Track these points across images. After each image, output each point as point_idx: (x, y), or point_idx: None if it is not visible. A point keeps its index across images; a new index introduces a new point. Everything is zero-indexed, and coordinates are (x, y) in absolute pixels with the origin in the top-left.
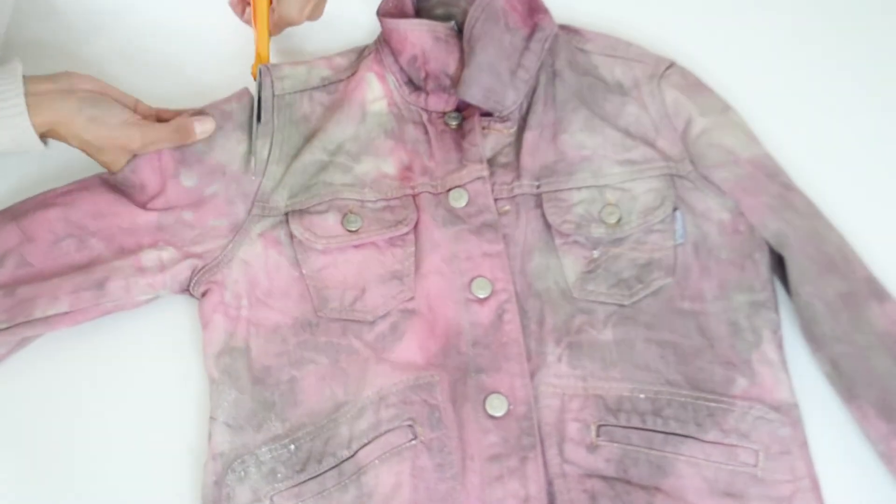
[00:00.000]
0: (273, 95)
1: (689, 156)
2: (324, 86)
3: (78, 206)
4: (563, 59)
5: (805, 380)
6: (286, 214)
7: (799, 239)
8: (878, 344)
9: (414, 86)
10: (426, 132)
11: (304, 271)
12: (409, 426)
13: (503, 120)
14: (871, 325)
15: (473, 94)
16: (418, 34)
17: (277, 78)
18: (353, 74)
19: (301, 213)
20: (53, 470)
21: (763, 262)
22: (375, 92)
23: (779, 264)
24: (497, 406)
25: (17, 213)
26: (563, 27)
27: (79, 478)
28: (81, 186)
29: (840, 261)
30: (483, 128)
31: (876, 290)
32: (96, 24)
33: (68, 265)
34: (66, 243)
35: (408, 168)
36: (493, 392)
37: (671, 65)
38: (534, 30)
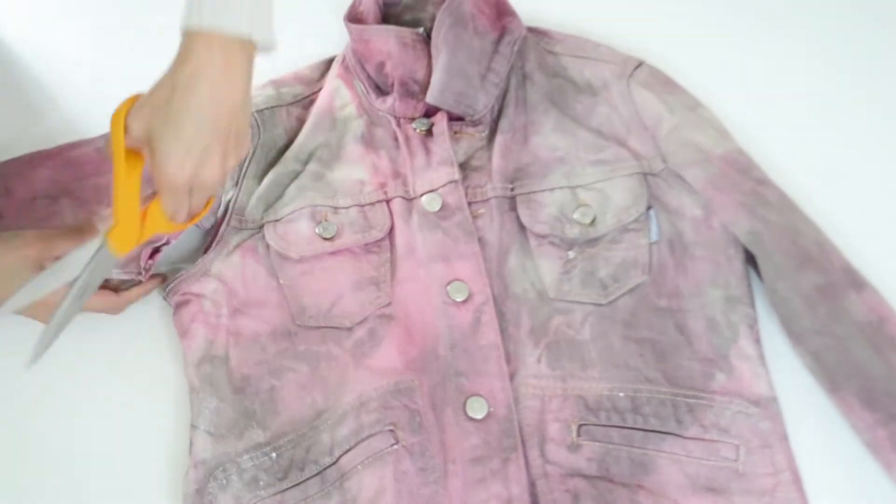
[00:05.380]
0: (252, 113)
1: (660, 154)
2: (298, 101)
3: (66, 168)
4: (532, 61)
5: (784, 373)
6: (262, 227)
7: (773, 235)
8: (857, 334)
9: (381, 92)
10: (396, 137)
11: (281, 281)
12: (391, 431)
13: (475, 124)
14: (851, 316)
15: (445, 99)
16: (385, 40)
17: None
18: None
19: (275, 222)
20: (33, 478)
21: (738, 257)
22: (343, 98)
23: (753, 260)
24: (477, 408)
25: (7, 167)
26: (532, 29)
27: (59, 487)
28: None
29: (816, 253)
30: (455, 132)
31: (854, 280)
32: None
33: (35, 220)
34: (40, 202)
35: (380, 173)
36: (473, 395)
37: (640, 64)
38: (502, 33)
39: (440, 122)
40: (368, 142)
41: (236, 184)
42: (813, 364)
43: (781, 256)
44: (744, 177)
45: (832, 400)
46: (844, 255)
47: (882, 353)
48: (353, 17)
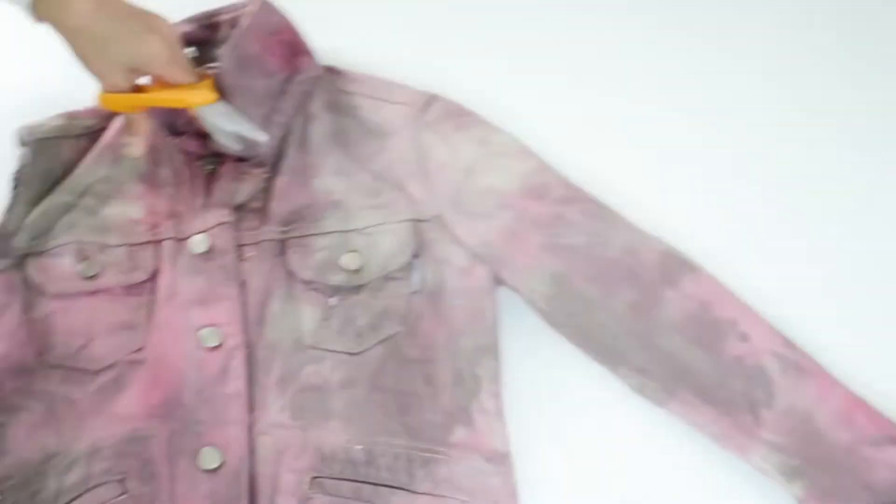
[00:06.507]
0: (31, 140)
1: (443, 200)
2: (87, 133)
3: None
4: (320, 101)
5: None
6: (24, 256)
7: (579, 267)
8: (678, 337)
9: (173, 129)
10: (181, 176)
11: (32, 315)
12: (120, 481)
13: (259, 165)
14: (669, 320)
15: (225, 140)
16: None
17: (35, 127)
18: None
19: (39, 255)
20: None
21: (490, 308)
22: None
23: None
24: (210, 459)
25: None
26: (329, 69)
27: None
28: None
29: (627, 261)
30: (242, 173)
31: (669, 273)
32: None
33: None
34: None
35: (155, 213)
36: (207, 444)
37: (432, 101)
38: (293, 73)
39: (227, 162)
40: (150, 181)
41: (9, 209)
42: (641, 381)
43: (589, 287)
44: (543, 204)
45: (669, 408)
46: (660, 244)
47: (705, 346)
48: None
